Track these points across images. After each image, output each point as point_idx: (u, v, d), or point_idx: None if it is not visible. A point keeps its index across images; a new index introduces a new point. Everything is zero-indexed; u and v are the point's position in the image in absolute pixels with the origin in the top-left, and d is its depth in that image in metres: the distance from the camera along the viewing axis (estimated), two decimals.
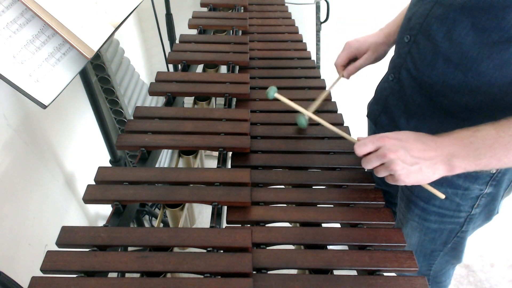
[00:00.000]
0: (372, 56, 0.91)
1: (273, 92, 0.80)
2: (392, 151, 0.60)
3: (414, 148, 0.60)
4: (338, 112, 0.91)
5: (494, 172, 0.73)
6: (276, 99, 0.80)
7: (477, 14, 0.60)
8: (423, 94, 0.75)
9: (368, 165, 0.63)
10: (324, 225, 0.67)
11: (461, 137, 0.60)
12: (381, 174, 0.63)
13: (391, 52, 0.86)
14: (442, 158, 0.59)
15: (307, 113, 0.79)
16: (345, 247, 0.65)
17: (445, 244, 0.89)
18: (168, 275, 0.59)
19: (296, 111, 0.81)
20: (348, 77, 0.96)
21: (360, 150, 0.64)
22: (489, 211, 0.82)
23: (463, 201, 0.79)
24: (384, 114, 0.87)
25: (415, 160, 0.59)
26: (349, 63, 0.95)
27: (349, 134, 0.77)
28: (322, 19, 1.75)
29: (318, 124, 0.86)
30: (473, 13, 0.60)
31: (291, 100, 0.80)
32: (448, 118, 0.73)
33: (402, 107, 0.81)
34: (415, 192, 0.84)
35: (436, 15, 0.67)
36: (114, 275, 0.62)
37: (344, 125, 0.86)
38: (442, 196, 0.67)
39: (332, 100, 0.94)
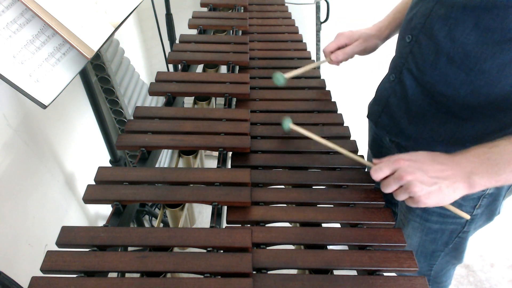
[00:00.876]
0: (361, 45, 0.91)
1: (288, 123, 0.78)
2: (409, 172, 0.58)
3: (431, 169, 0.58)
4: (338, 112, 0.91)
5: None
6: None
7: (480, 13, 0.60)
8: (425, 94, 0.75)
9: (387, 189, 0.62)
10: (324, 225, 0.67)
11: (478, 154, 0.59)
12: (401, 197, 0.61)
13: (391, 52, 0.86)
14: (462, 177, 0.58)
15: (324, 141, 0.74)
16: (345, 247, 0.65)
17: (446, 245, 0.89)
18: (168, 275, 0.59)
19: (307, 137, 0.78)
20: (335, 62, 0.94)
21: (376, 175, 0.62)
22: (490, 211, 0.82)
23: (465, 201, 0.79)
24: (385, 115, 0.87)
25: (434, 181, 0.58)
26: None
27: (363, 158, 0.74)
28: (322, 19, 1.75)
29: (318, 124, 0.87)
30: (475, 13, 0.60)
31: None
32: (450, 118, 0.73)
33: (403, 108, 0.81)
34: None
35: (438, 14, 0.67)
36: (114, 275, 0.62)
37: (344, 125, 0.86)
38: (467, 216, 0.66)
39: (332, 100, 0.94)
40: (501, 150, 0.58)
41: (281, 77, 0.87)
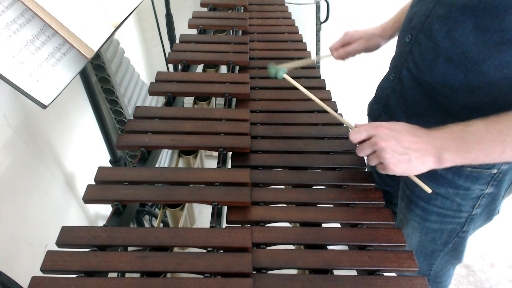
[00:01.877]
0: (363, 44, 0.96)
1: (282, 72, 0.74)
2: (384, 140, 0.61)
3: (406, 139, 0.61)
4: (338, 112, 0.91)
5: (495, 172, 0.73)
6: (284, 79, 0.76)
7: (479, 14, 0.60)
8: (424, 94, 0.75)
9: (361, 153, 0.65)
10: (324, 225, 0.67)
11: (452, 131, 0.61)
12: (372, 162, 0.64)
13: (392, 52, 0.86)
14: (432, 151, 0.60)
15: (314, 98, 0.75)
16: (345, 247, 0.65)
17: (445, 244, 0.89)
18: (168, 275, 0.59)
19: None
20: (338, 59, 1.00)
21: (354, 137, 0.65)
22: (490, 211, 0.82)
23: (464, 201, 0.79)
24: (385, 114, 0.88)
25: (405, 151, 0.60)
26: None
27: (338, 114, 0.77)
28: (322, 19, 1.75)
29: (318, 124, 0.87)
30: (475, 13, 0.60)
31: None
32: (449, 118, 0.73)
33: (402, 107, 0.81)
34: (416, 192, 0.84)
35: (438, 14, 0.67)
36: (114, 275, 0.62)
37: (344, 125, 0.86)
38: (429, 190, 0.68)
39: (332, 100, 0.95)
40: (474, 129, 0.59)
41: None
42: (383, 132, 0.62)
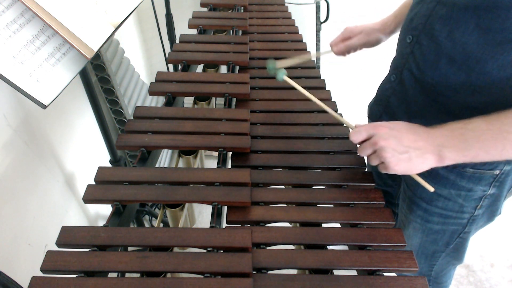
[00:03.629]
0: (363, 38, 0.95)
1: (282, 74, 0.76)
2: (383, 138, 0.61)
3: (405, 138, 0.61)
4: (338, 112, 0.91)
5: (497, 173, 0.73)
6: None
7: (481, 14, 0.60)
8: (425, 95, 0.75)
9: (362, 152, 0.65)
10: (324, 225, 0.67)
11: (452, 129, 0.61)
12: (373, 162, 0.64)
13: (392, 53, 0.86)
14: (432, 148, 0.60)
15: (314, 99, 0.76)
16: (345, 247, 0.65)
17: (447, 245, 0.88)
18: (168, 275, 0.59)
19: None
20: (338, 54, 1.00)
21: (355, 137, 0.65)
22: (491, 211, 0.82)
23: (466, 202, 0.79)
24: (386, 115, 0.87)
25: (405, 149, 0.60)
26: None
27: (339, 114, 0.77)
28: (322, 19, 1.75)
29: (318, 124, 0.87)
30: (476, 13, 0.60)
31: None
32: (450, 118, 0.73)
33: (404, 108, 0.81)
34: (417, 193, 0.84)
35: (439, 15, 0.67)
36: (114, 275, 0.62)
37: (344, 125, 0.86)
38: (431, 189, 0.68)
39: (332, 100, 0.94)
40: (474, 126, 0.60)
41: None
42: (383, 131, 0.62)
